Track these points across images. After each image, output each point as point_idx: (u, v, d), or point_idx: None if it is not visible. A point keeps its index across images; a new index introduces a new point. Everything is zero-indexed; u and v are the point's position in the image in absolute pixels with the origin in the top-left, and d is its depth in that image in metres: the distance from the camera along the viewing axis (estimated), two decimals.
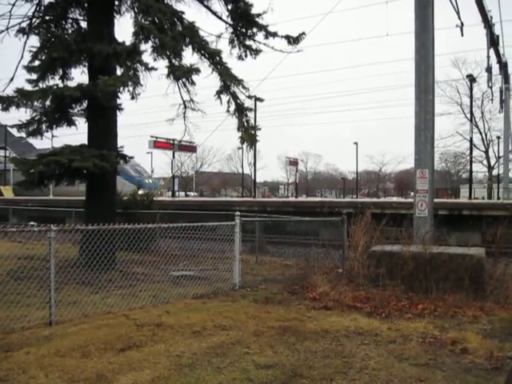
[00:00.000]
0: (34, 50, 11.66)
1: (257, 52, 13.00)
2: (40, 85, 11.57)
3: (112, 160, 10.96)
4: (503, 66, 27.06)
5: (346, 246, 10.27)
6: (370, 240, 8.98)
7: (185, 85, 12.20)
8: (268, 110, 58.66)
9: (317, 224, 13.76)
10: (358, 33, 77.82)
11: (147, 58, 11.04)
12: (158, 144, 28.31)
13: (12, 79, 12.62)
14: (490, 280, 7.63)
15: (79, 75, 12.50)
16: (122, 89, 10.76)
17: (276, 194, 69.49)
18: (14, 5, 12.05)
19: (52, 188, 31.95)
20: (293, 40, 12.65)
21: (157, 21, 10.74)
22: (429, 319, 6.45)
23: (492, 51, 23.75)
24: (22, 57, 12.12)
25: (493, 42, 22.93)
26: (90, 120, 11.68)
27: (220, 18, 12.91)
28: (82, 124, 12.20)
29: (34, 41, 12.16)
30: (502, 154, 38.39)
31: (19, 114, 11.83)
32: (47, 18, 12.32)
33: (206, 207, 20.59)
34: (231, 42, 12.95)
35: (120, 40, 11.54)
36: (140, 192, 28.58)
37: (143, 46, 10.81)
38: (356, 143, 51.22)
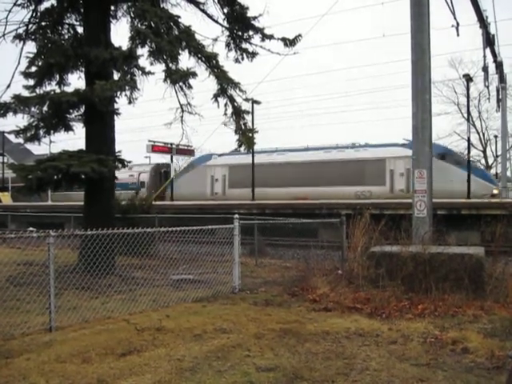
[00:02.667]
0: (31, 55, 11.68)
1: (253, 55, 13.02)
2: (37, 90, 11.61)
3: (110, 165, 10.97)
4: (499, 66, 27.01)
5: (346, 247, 10.28)
6: (369, 241, 8.99)
7: (182, 89, 12.22)
8: (266, 112, 58.70)
9: (316, 226, 13.77)
10: (355, 34, 78.20)
11: (144, 62, 11.09)
12: (155, 148, 28.31)
13: (9, 85, 12.65)
14: (489, 279, 7.62)
15: (76, 80, 12.54)
16: (119, 93, 10.80)
17: None
18: (10, 11, 12.09)
19: (50, 194, 31.84)
20: (289, 42, 12.67)
21: (153, 25, 10.76)
22: (429, 319, 6.45)
23: (488, 51, 23.68)
24: (18, 63, 12.14)
25: (489, 41, 22.87)
26: (88, 125, 11.68)
27: (216, 22, 12.93)
28: (79, 129, 12.24)
29: (31, 47, 12.19)
30: (499, 153, 38.38)
31: (17, 120, 11.86)
32: (43, 23, 12.33)
33: (206, 210, 20.55)
34: (227, 45, 12.96)
35: (116, 45, 11.58)
36: (495, 192, 23.58)
37: (140, 51, 10.87)
38: None
